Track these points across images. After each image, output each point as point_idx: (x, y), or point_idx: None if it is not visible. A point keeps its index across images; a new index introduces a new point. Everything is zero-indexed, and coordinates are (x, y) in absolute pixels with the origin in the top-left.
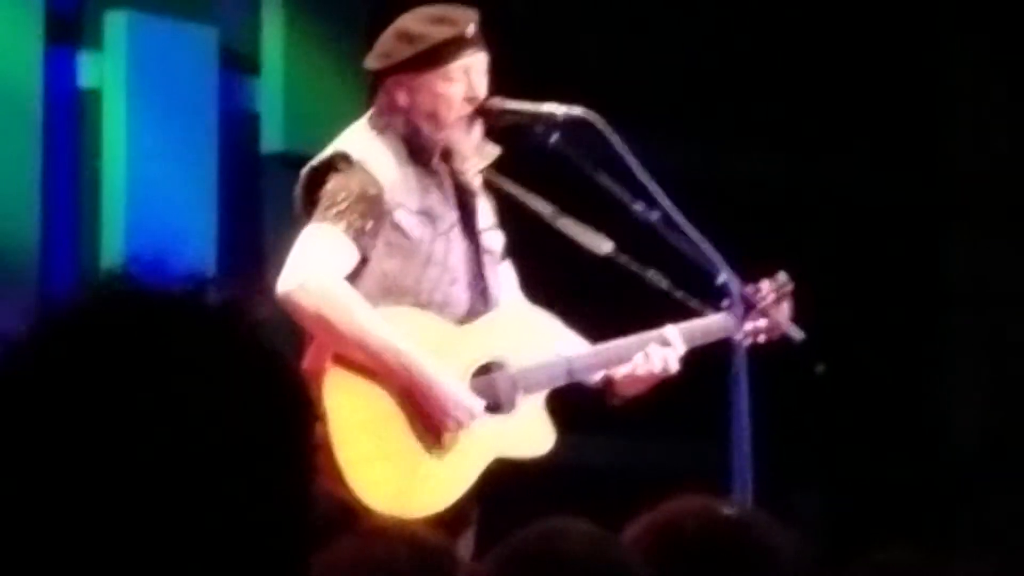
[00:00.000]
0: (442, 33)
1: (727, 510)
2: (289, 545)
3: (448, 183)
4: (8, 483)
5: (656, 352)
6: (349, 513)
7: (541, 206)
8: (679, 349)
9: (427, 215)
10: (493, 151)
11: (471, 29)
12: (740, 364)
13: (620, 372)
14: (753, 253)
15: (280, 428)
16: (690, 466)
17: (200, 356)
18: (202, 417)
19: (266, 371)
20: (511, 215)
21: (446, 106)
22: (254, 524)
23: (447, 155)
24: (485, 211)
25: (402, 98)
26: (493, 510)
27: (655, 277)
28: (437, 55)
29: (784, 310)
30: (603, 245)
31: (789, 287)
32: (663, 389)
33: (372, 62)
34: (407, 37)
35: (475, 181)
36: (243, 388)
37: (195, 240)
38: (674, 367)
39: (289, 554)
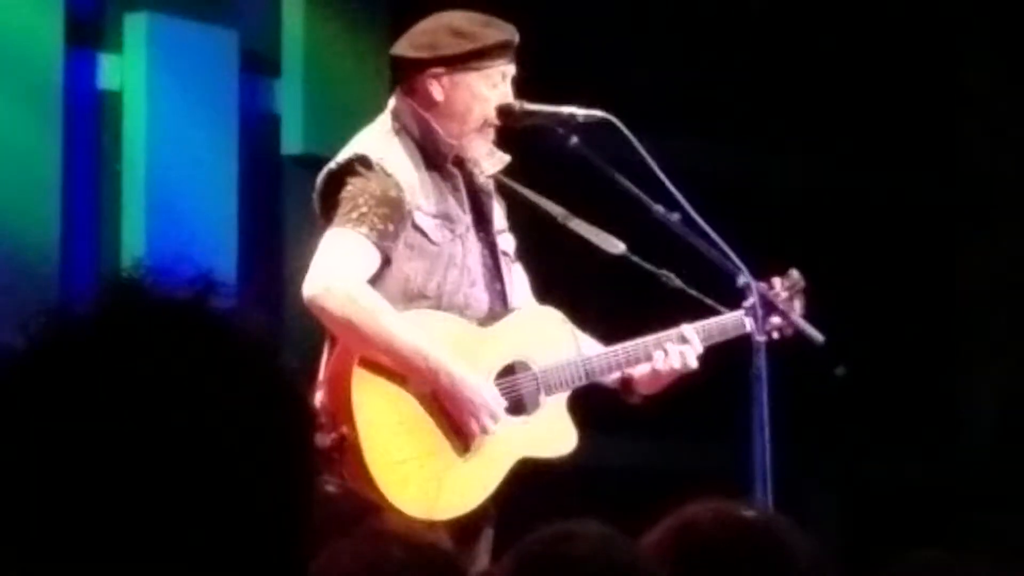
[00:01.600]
0: (496, 36)
1: (748, 513)
2: (286, 548)
3: (462, 186)
4: (7, 480)
5: (675, 349)
6: (368, 513)
7: (553, 208)
8: (697, 347)
9: (444, 218)
10: (503, 158)
11: (516, 38)
12: (760, 365)
13: (639, 370)
14: (770, 254)
15: (278, 433)
16: (708, 466)
17: (199, 362)
18: (199, 423)
19: (265, 378)
20: (522, 217)
21: (480, 107)
22: (250, 526)
23: (459, 159)
24: (498, 213)
25: (438, 92)
26: (513, 511)
27: (668, 277)
28: (486, 55)
29: (797, 307)
30: (616, 245)
31: (801, 284)
32: (682, 389)
33: (412, 51)
34: (459, 33)
35: (487, 184)
36: (240, 395)
37: (215, 241)
38: (693, 364)
39: (287, 556)
